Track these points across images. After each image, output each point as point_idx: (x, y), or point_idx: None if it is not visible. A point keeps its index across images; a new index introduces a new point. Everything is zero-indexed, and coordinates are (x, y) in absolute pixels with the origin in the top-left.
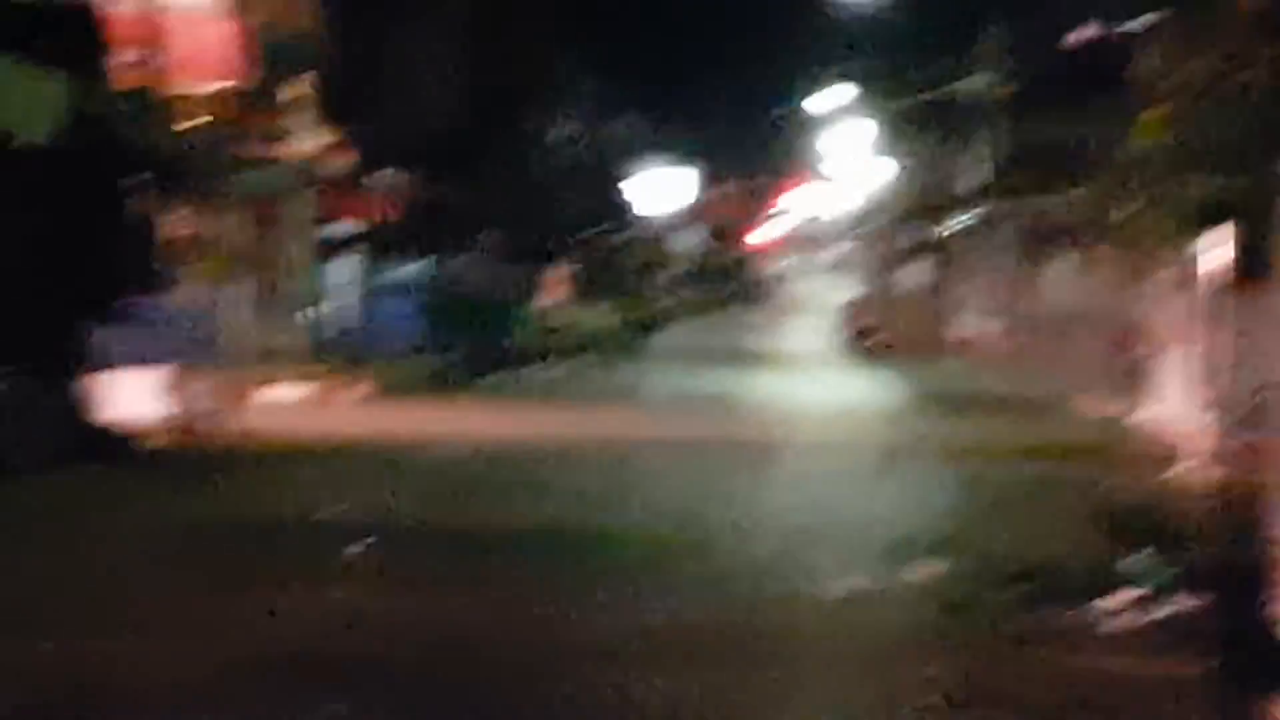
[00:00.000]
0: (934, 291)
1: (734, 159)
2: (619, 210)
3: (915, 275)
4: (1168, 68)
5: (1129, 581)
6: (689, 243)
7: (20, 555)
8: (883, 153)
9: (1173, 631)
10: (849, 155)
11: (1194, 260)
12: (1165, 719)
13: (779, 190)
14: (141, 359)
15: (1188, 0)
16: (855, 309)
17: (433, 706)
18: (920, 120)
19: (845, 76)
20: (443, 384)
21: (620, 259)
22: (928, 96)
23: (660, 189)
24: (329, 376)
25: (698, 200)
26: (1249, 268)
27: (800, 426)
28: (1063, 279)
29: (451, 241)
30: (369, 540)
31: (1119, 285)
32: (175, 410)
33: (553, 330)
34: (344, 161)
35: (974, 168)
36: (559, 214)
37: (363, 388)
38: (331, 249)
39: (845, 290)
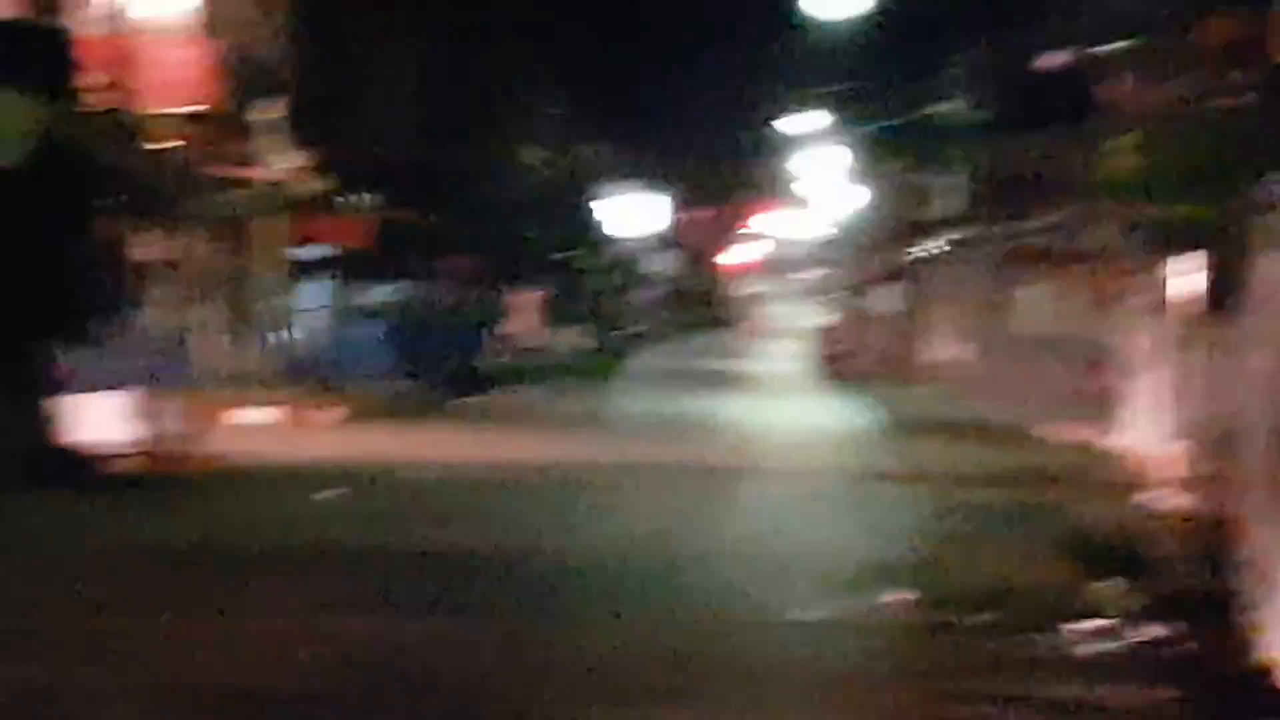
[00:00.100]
0: (906, 316)
1: (707, 182)
2: (590, 234)
3: (888, 299)
4: (1139, 93)
5: (1099, 609)
6: (661, 266)
7: None
8: (855, 177)
9: (1143, 659)
10: (822, 179)
11: (1165, 286)
12: None
13: (752, 214)
14: (110, 382)
15: (1159, 26)
16: (828, 333)
17: None
18: (893, 144)
19: (819, 100)
20: (413, 407)
21: (592, 283)
22: (901, 120)
23: (632, 212)
24: (299, 400)
25: (670, 224)
26: (1220, 293)
27: (771, 451)
28: (1035, 304)
29: (423, 265)
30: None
31: (1091, 310)
32: (144, 434)
33: (524, 354)
34: (315, 185)
35: (947, 192)
36: (530, 238)
37: (333, 411)
38: (302, 272)
39: (818, 314)
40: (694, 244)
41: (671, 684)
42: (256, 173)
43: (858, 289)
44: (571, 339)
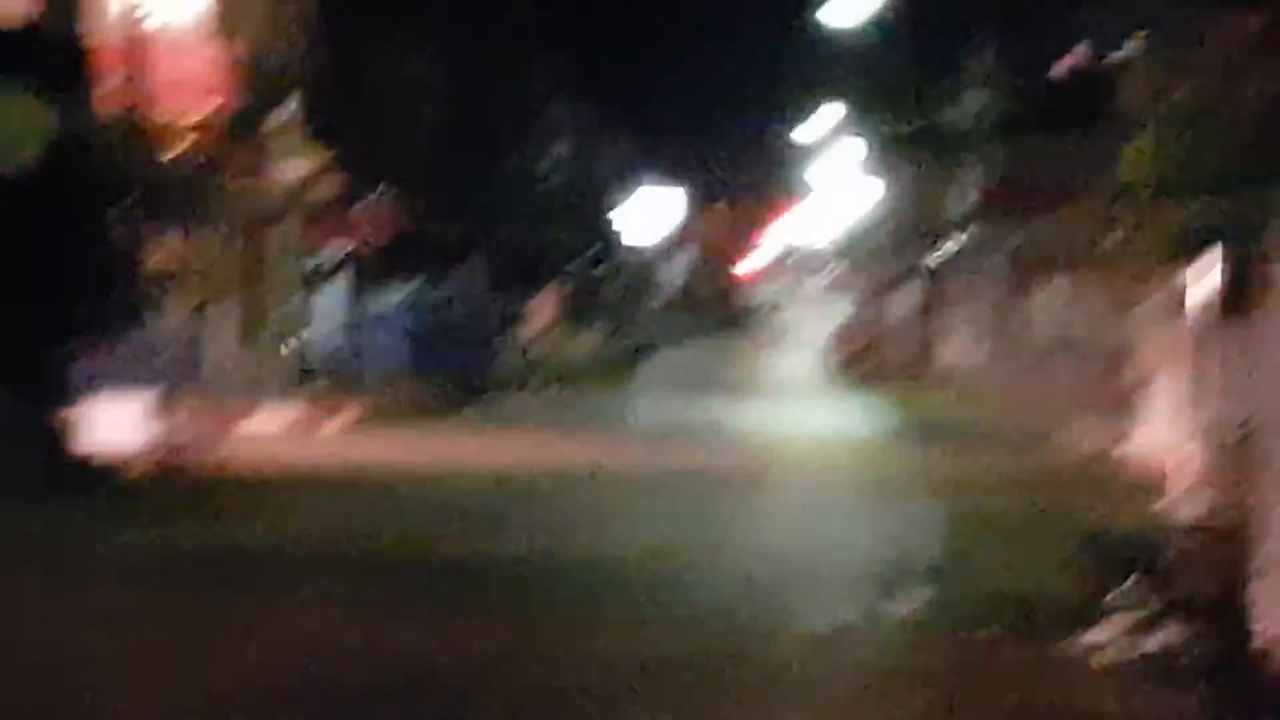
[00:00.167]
0: (922, 318)
1: (722, 185)
2: (606, 236)
3: (903, 302)
4: (1154, 94)
5: (1115, 615)
6: (677, 269)
7: None
8: (871, 178)
9: (1160, 666)
10: (837, 180)
11: (1182, 288)
12: None
13: (767, 216)
14: (125, 386)
15: (1174, 26)
16: (843, 336)
17: None
18: (909, 146)
19: (834, 101)
20: (429, 411)
21: (607, 285)
22: (916, 122)
23: (648, 215)
24: (314, 403)
25: (685, 226)
26: (1236, 296)
27: (784, 456)
28: (1051, 306)
29: (438, 267)
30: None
31: (1107, 313)
32: (159, 438)
33: (539, 357)
34: (330, 187)
35: (962, 193)
36: (545, 240)
37: (348, 415)
38: (317, 275)
39: (833, 317)
40: (709, 248)
41: (680, 691)
42: (272, 176)
43: (875, 291)
44: (587, 343)
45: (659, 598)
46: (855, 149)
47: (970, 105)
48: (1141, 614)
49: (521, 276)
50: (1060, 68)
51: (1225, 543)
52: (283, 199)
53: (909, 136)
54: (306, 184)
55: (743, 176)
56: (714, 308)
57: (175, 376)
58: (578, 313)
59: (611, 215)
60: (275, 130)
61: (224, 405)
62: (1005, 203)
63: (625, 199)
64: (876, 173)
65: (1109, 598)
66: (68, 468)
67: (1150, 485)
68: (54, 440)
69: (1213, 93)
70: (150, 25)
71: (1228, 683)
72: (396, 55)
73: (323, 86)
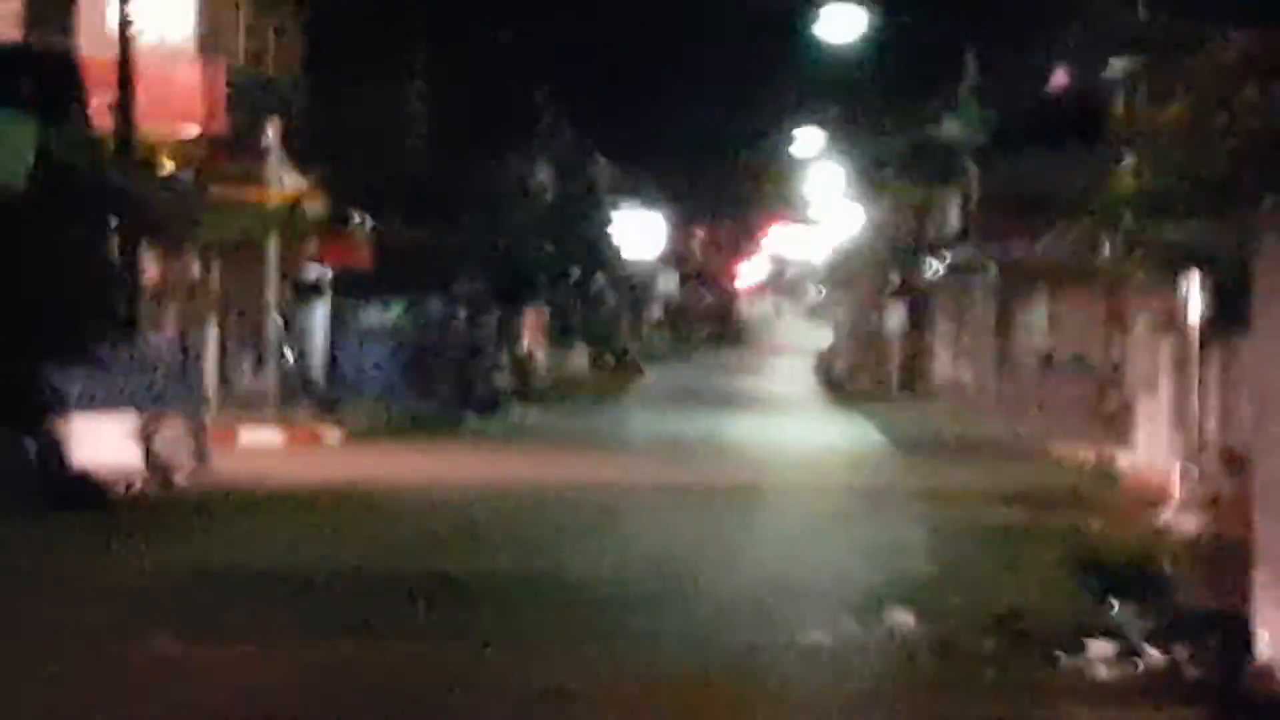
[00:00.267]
0: (913, 334)
1: (715, 202)
2: (599, 253)
3: (894, 319)
4: (1143, 113)
5: (1111, 630)
6: (669, 285)
7: None
8: (861, 196)
9: (1156, 681)
10: (828, 198)
11: (1174, 306)
12: None
13: (759, 233)
14: (114, 404)
15: (1163, 47)
16: (833, 352)
17: None
18: (899, 164)
19: (826, 120)
20: (420, 428)
21: (599, 301)
22: (907, 140)
23: (641, 232)
24: (305, 421)
25: (678, 243)
26: (1227, 314)
27: (777, 471)
28: (1042, 323)
29: (428, 285)
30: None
31: (1099, 330)
32: (148, 456)
33: (532, 373)
34: (320, 205)
35: (954, 211)
36: (539, 257)
37: (338, 432)
38: (308, 293)
39: (823, 333)
40: (702, 263)
41: (674, 706)
42: (261, 194)
43: (865, 308)
44: (580, 358)
45: (651, 612)
46: (847, 165)
47: (961, 122)
48: (1138, 629)
49: (512, 293)
50: (1051, 87)
51: (1222, 556)
52: (273, 216)
53: (901, 153)
54: (296, 203)
55: (734, 195)
56: (705, 323)
57: (166, 394)
58: (572, 328)
59: (606, 230)
60: (266, 148)
61: (217, 421)
62: (994, 220)
63: (619, 214)
64: (868, 189)
65: (1105, 612)
66: (61, 485)
67: (1146, 499)
68: (48, 457)
69: (1201, 113)
70: (141, 45)
71: (1227, 699)
72: (386, 74)
73: (311, 107)
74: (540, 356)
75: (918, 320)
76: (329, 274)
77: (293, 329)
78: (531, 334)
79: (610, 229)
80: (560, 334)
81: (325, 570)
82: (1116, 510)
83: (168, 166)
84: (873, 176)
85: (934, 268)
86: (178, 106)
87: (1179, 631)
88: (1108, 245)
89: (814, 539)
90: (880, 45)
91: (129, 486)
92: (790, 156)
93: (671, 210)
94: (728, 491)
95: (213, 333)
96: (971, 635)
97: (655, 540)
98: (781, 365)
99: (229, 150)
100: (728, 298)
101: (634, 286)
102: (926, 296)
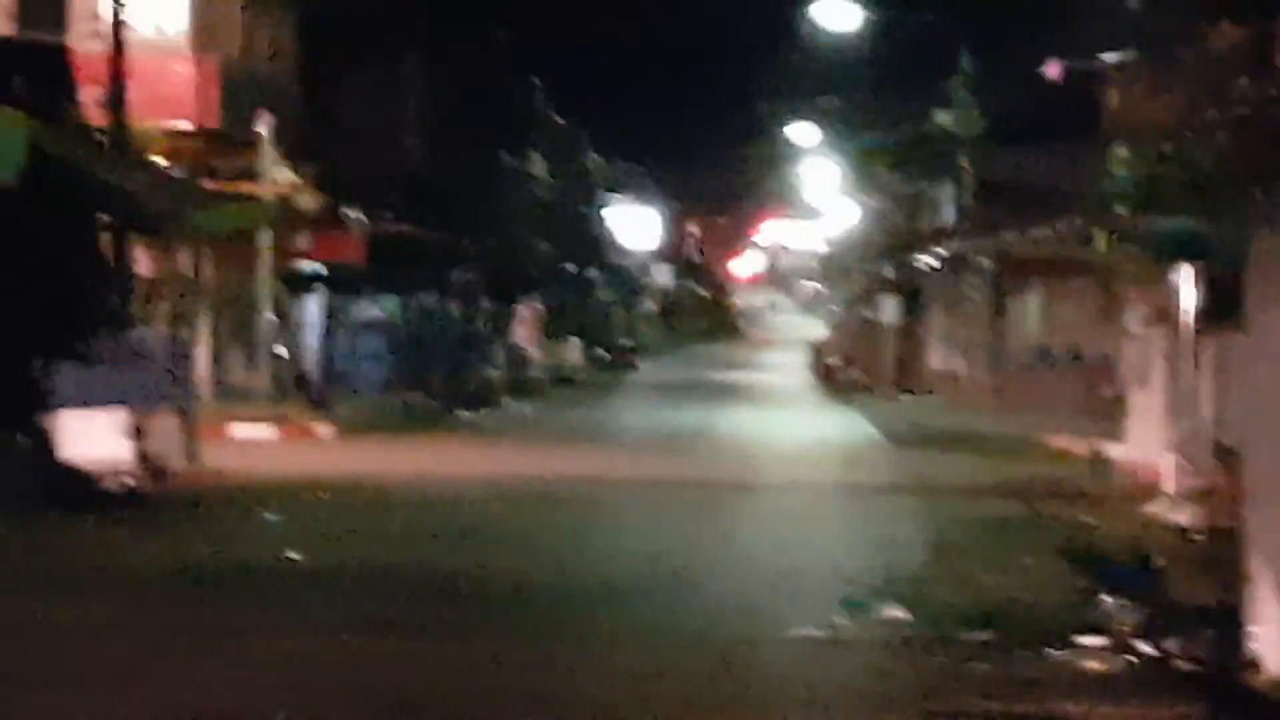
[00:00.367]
0: (907, 327)
1: (711, 193)
2: (594, 245)
3: (888, 311)
4: (1137, 106)
5: (1103, 623)
6: (665, 277)
7: None
8: (856, 189)
9: (1149, 674)
10: (823, 191)
11: (1167, 297)
12: None
13: (755, 225)
14: (106, 400)
15: (1156, 39)
16: (828, 344)
17: None
18: (893, 155)
19: (822, 111)
20: (414, 421)
21: (595, 294)
22: (903, 131)
23: (636, 224)
24: (298, 415)
25: (672, 236)
26: (1220, 306)
27: (770, 464)
28: (1036, 315)
29: (421, 279)
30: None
31: (1093, 322)
32: (142, 451)
33: (526, 366)
34: (313, 199)
35: (948, 202)
36: (533, 249)
37: (330, 427)
38: (301, 287)
39: (818, 326)
40: (697, 255)
41: (667, 701)
42: (254, 188)
43: (859, 300)
44: (573, 352)
45: (643, 608)
46: (844, 156)
47: (954, 117)
48: (1130, 621)
49: (509, 285)
50: (1048, 77)
51: (1214, 549)
52: (266, 211)
53: (895, 145)
54: (290, 195)
55: (729, 188)
56: (703, 314)
57: (160, 388)
58: (567, 320)
59: (600, 222)
60: (259, 142)
61: (209, 416)
62: (988, 213)
63: (614, 206)
64: (864, 180)
65: (1098, 605)
66: (54, 481)
67: (1138, 492)
68: (40, 453)
69: (1194, 106)
70: (134, 39)
71: (1218, 693)
72: (378, 72)
73: (305, 101)
74: (533, 350)
75: (912, 313)
76: (323, 267)
77: (285, 323)
78: (525, 328)
79: (605, 222)
80: (554, 328)
81: (316, 566)
82: (1109, 503)
83: (160, 161)
84: (868, 169)
85: (928, 261)
86: (171, 101)
87: (1170, 625)
88: (1101, 237)
89: (806, 532)
90: (875, 38)
91: (121, 482)
92: (785, 150)
93: (666, 204)
94: (721, 486)
95: (205, 328)
96: (962, 628)
97: (645, 535)
98: (775, 358)
99: (222, 145)
100: (722, 291)
101: (628, 280)
102: (921, 289)
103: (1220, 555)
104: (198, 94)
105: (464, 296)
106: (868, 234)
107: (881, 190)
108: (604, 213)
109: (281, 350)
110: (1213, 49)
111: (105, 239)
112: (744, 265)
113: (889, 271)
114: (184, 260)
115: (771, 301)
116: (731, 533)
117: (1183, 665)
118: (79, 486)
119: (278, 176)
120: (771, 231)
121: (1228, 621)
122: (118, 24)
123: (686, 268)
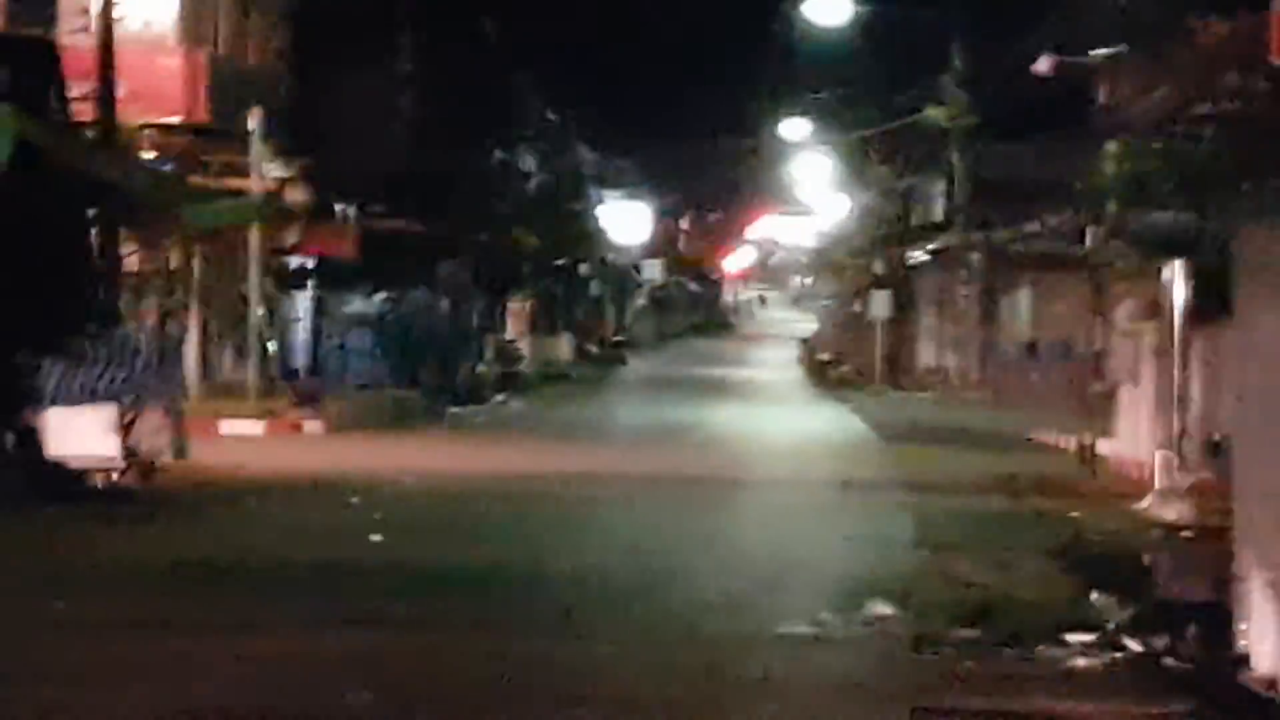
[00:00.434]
0: (898, 323)
1: (699, 190)
2: (585, 240)
3: (879, 306)
4: (1127, 100)
5: (1093, 620)
6: (656, 273)
7: None
8: (847, 184)
9: (1139, 672)
10: (813, 186)
11: (1156, 293)
12: None
13: (744, 221)
14: (93, 395)
15: (1147, 34)
16: (818, 340)
17: None
18: (884, 151)
19: (812, 106)
20: (404, 417)
21: (586, 290)
22: (894, 126)
23: (627, 219)
24: (287, 410)
25: (662, 232)
26: (1210, 302)
27: (760, 460)
28: (1026, 311)
29: (411, 275)
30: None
31: (1083, 317)
32: (130, 447)
33: (517, 362)
34: (303, 194)
35: (939, 198)
36: (524, 245)
37: (319, 422)
38: (291, 282)
39: (808, 321)
40: (689, 250)
41: (657, 698)
42: (243, 182)
43: (850, 295)
44: (564, 347)
45: (633, 604)
46: (832, 153)
47: (944, 111)
48: (1121, 618)
49: (500, 280)
50: (1036, 72)
51: (1204, 546)
52: (256, 206)
53: (886, 140)
54: (279, 190)
55: (719, 183)
56: (691, 312)
57: (145, 385)
58: (554, 317)
59: (591, 217)
60: (248, 137)
61: (198, 411)
62: (979, 208)
63: (605, 201)
64: (855, 175)
65: (1087, 602)
66: (40, 476)
67: (1129, 489)
68: (27, 449)
69: (1184, 100)
70: (123, 33)
71: (1207, 689)
72: (368, 66)
73: (295, 96)
74: (524, 346)
75: (902, 309)
76: (313, 262)
77: (275, 319)
78: (516, 323)
79: (595, 218)
80: (545, 323)
81: (303, 562)
82: (1098, 498)
83: (149, 156)
84: (863, 161)
85: (919, 255)
86: (159, 95)
87: (1159, 621)
88: (1091, 233)
89: (795, 529)
90: (866, 32)
91: (108, 478)
92: (776, 144)
93: (657, 199)
94: (711, 481)
95: (194, 323)
96: (951, 625)
97: (633, 531)
98: (766, 353)
99: (211, 139)
100: (713, 286)
101: (619, 275)
102: (912, 285)
103: (1209, 551)
104: (187, 88)
105: (454, 291)
106: (858, 229)
107: (872, 185)
108: (595, 208)
109: (270, 346)
110: (1202, 44)
111: (93, 234)
112: (735, 260)
113: (879, 267)
114: (173, 255)
115: (763, 297)
116: (720, 528)
117: (1172, 662)
118: (67, 483)
119: (267, 171)
120: (763, 227)
121: (1217, 618)
122: (107, 17)
123: (678, 263)
